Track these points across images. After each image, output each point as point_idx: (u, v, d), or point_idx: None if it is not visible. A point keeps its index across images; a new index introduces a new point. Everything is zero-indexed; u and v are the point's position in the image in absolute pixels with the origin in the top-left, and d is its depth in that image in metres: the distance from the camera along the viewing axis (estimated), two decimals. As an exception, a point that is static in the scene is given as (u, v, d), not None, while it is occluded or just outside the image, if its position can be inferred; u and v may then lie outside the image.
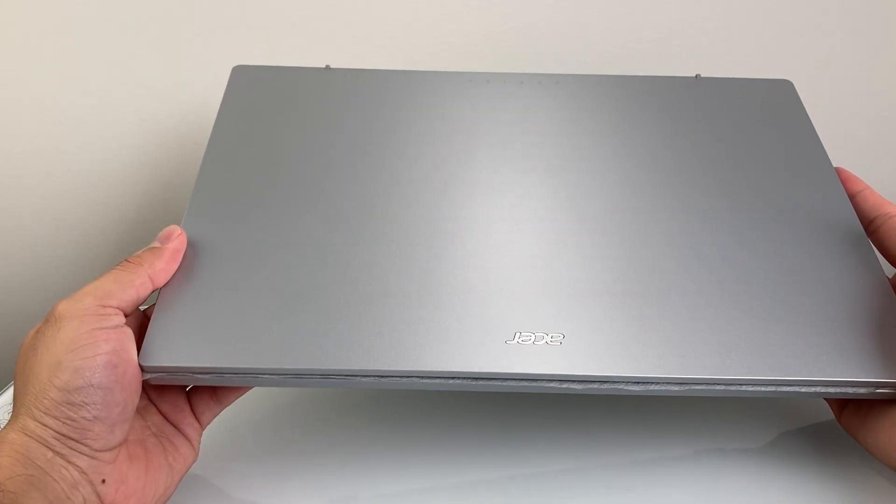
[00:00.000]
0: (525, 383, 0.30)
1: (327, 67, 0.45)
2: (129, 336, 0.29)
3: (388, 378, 0.30)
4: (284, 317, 0.32)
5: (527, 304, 0.32)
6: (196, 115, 0.54)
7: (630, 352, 0.31)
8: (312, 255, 0.34)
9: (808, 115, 0.42)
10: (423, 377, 0.30)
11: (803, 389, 0.31)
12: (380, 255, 0.34)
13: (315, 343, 0.31)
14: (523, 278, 0.33)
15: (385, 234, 0.35)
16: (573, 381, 0.30)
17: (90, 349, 0.27)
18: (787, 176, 0.38)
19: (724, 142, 0.40)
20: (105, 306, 0.29)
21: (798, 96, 0.44)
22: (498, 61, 0.51)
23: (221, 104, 0.42)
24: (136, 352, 0.29)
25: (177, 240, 0.33)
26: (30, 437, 0.27)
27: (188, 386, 0.34)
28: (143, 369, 0.30)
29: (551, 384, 0.30)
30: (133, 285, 0.30)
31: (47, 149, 0.53)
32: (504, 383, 0.30)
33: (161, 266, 0.32)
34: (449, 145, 0.40)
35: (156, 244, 0.33)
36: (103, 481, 0.28)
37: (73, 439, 0.27)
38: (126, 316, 0.30)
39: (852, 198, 0.37)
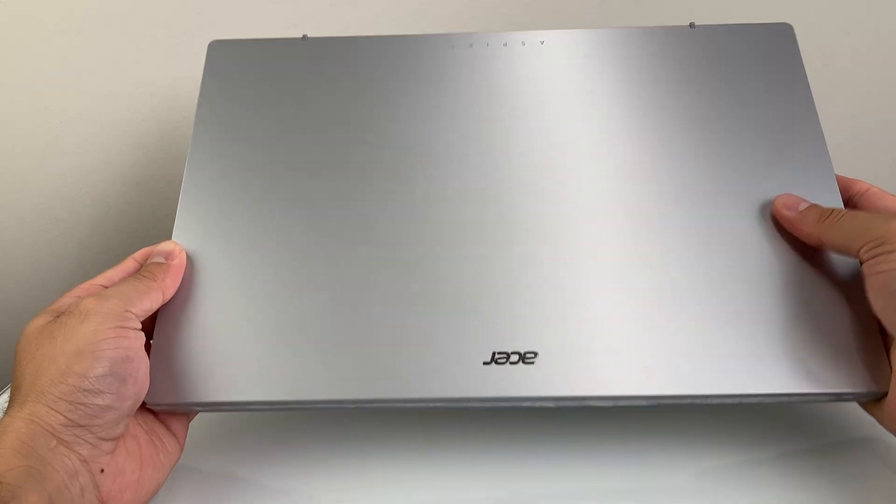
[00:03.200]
0: (502, 403, 0.32)
1: (304, 37, 0.44)
2: (143, 339, 0.31)
3: (371, 404, 0.32)
4: (270, 351, 0.33)
5: (502, 323, 0.33)
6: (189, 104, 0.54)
7: (600, 370, 0.32)
8: (296, 281, 0.35)
9: (802, 63, 0.40)
10: (405, 403, 0.32)
11: (766, 400, 0.32)
12: (362, 282, 0.35)
13: (299, 376, 0.32)
14: (498, 296, 0.34)
15: (368, 258, 0.35)
16: (546, 400, 0.32)
17: (114, 342, 0.29)
18: (773, 139, 0.37)
19: (716, 95, 0.39)
20: (127, 310, 0.31)
21: (796, 41, 0.42)
22: (483, 21, 0.49)
23: (202, 84, 0.41)
24: (146, 355, 0.31)
25: (178, 258, 0.35)
26: (36, 424, 0.27)
27: None
28: (147, 406, 0.32)
29: (526, 403, 0.32)
30: (149, 297, 0.32)
31: (47, 150, 0.53)
32: (482, 404, 0.32)
33: (170, 283, 0.34)
34: (432, 112, 0.39)
35: (160, 259, 0.34)
36: (102, 471, 0.29)
37: (81, 426, 0.28)
38: (136, 315, 0.32)
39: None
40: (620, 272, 0.35)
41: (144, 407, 0.33)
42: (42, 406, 0.28)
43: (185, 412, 0.34)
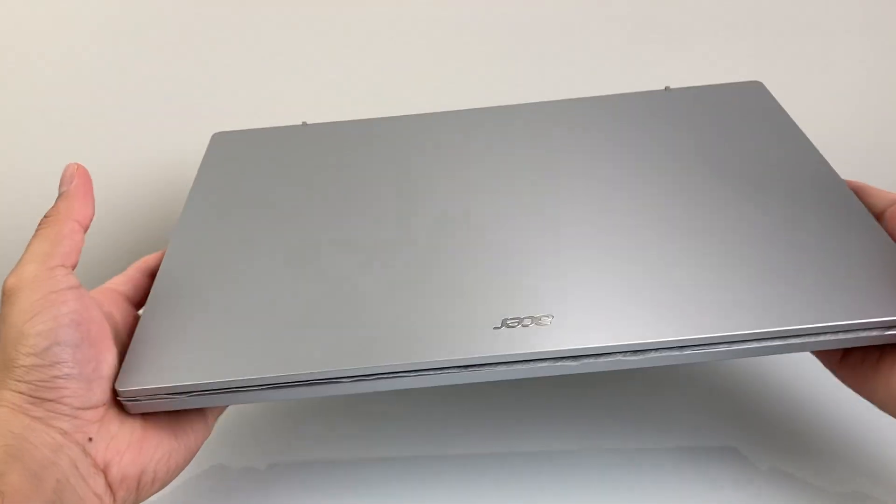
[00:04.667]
0: (518, 366, 0.29)
1: (304, 124, 0.46)
2: (84, 294, 0.29)
3: (373, 380, 0.30)
4: (263, 326, 0.31)
5: (512, 289, 0.32)
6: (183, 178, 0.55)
7: (623, 321, 0.30)
8: (291, 261, 0.35)
9: (784, 110, 0.42)
10: (409, 372, 0.29)
11: (815, 339, 0.29)
12: (358, 255, 0.34)
13: (296, 347, 0.30)
14: (507, 265, 0.33)
15: (361, 237, 0.36)
16: (567, 359, 0.29)
17: (48, 312, 0.28)
18: (777, 165, 0.38)
19: (709, 142, 0.40)
20: (50, 268, 0.29)
21: (771, 95, 0.44)
22: (470, 98, 0.52)
23: (200, 167, 0.42)
24: (98, 309, 0.30)
25: (77, 175, 0.32)
26: (6, 407, 0.27)
27: None
28: (117, 394, 0.30)
29: (545, 364, 0.29)
30: (63, 236, 0.30)
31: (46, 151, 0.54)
32: (496, 369, 0.29)
33: (78, 206, 0.31)
34: (422, 178, 0.40)
35: (62, 189, 0.32)
36: (90, 440, 0.28)
37: (49, 400, 0.27)
38: (73, 268, 0.30)
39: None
40: (632, 230, 0.34)
41: None
42: (5, 391, 0.27)
43: (160, 408, 0.30)
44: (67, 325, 0.28)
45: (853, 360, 0.32)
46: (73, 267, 0.30)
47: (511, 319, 0.30)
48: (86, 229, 0.31)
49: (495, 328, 0.30)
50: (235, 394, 0.30)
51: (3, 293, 0.29)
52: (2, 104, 0.51)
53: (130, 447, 0.29)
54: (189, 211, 0.39)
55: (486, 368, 0.29)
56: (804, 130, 0.41)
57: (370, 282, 0.33)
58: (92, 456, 0.28)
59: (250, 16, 0.49)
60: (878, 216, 0.35)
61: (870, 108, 0.56)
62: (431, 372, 0.29)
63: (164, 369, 0.30)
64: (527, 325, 0.30)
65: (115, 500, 0.28)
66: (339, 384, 0.30)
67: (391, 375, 0.29)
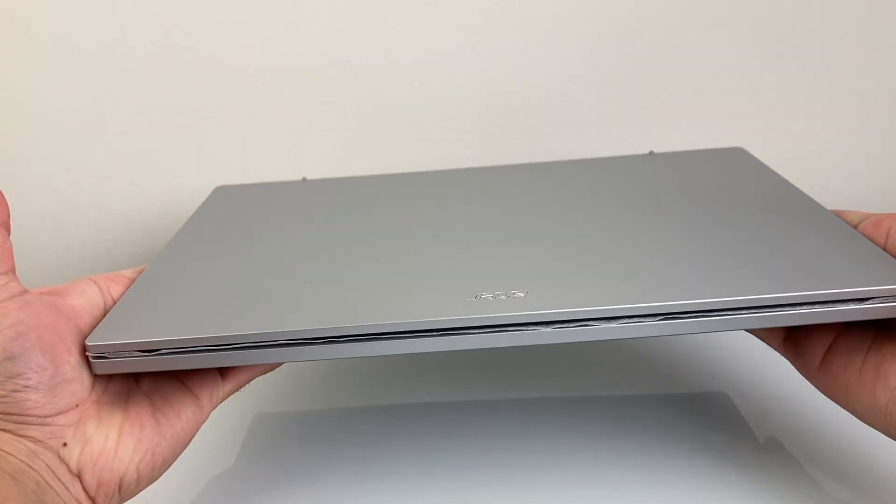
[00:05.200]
0: (491, 334, 0.29)
1: (304, 179, 0.48)
2: (30, 301, 0.28)
3: (346, 342, 0.29)
4: (241, 290, 0.32)
5: (486, 267, 0.32)
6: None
7: (602, 287, 0.30)
8: (277, 244, 0.37)
9: (770, 168, 0.43)
10: (385, 335, 0.29)
11: (812, 310, 0.28)
12: (340, 238, 0.36)
13: (270, 309, 0.30)
14: (481, 243, 0.35)
15: (349, 231, 0.38)
16: (542, 324, 0.29)
17: None
18: (771, 210, 0.38)
19: (694, 195, 0.41)
20: None
21: (755, 158, 0.45)
22: (463, 157, 0.55)
23: (194, 213, 0.43)
24: (50, 312, 0.29)
25: None
26: None
27: None
28: (87, 350, 0.29)
29: (519, 331, 0.29)
30: None
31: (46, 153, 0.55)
32: (468, 336, 0.29)
33: None
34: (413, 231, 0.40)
35: None
36: (65, 445, 0.27)
37: (14, 414, 0.27)
38: (12, 272, 0.29)
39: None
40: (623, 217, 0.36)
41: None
42: None
43: (133, 369, 0.30)
44: (11, 340, 0.27)
45: (835, 368, 0.31)
46: (12, 270, 0.29)
47: (485, 294, 0.30)
48: (7, 229, 0.30)
49: (468, 300, 0.30)
50: (207, 354, 0.29)
51: None
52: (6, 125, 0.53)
53: (104, 453, 0.28)
54: (181, 235, 0.40)
55: (461, 334, 0.29)
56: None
57: (348, 254, 0.34)
58: (66, 462, 0.28)
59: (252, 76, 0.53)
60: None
61: (855, 172, 0.58)
62: (407, 335, 0.29)
63: (136, 328, 0.30)
64: (501, 299, 0.30)
65: None
66: (312, 346, 0.29)
67: (366, 338, 0.29)
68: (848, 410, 0.31)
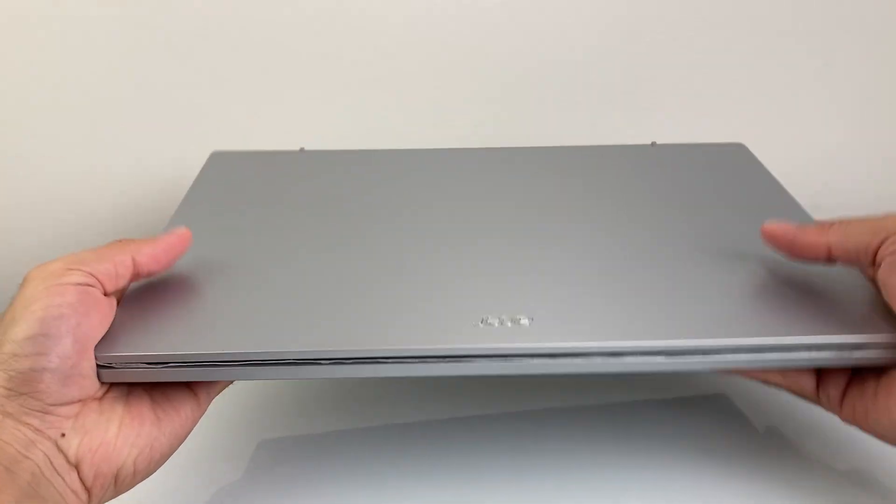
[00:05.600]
0: (496, 362, 0.29)
1: (302, 150, 0.47)
2: (89, 293, 0.29)
3: (351, 364, 0.29)
4: (248, 306, 0.32)
5: (493, 291, 0.32)
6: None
7: (603, 323, 0.30)
8: (282, 250, 0.36)
9: (767, 170, 0.44)
10: (389, 359, 0.29)
11: (808, 355, 0.30)
12: (347, 252, 0.35)
13: (278, 328, 0.30)
14: (490, 266, 0.34)
15: (351, 243, 0.37)
16: (545, 356, 0.29)
17: (44, 301, 0.28)
18: (758, 215, 0.38)
19: (691, 193, 0.42)
20: (69, 269, 0.29)
21: (754, 156, 0.46)
22: (464, 139, 0.54)
23: (194, 182, 0.43)
24: (99, 313, 0.29)
25: (175, 234, 0.33)
26: None
27: None
28: (97, 359, 0.29)
29: (522, 361, 0.29)
30: (111, 260, 0.30)
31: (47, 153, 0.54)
32: (474, 363, 0.29)
33: (148, 251, 0.31)
34: (410, 211, 0.41)
35: (159, 235, 0.33)
36: (63, 435, 0.28)
37: (23, 394, 0.27)
38: (97, 287, 0.29)
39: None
40: (613, 247, 0.36)
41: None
42: None
43: (139, 379, 0.30)
44: (54, 318, 0.28)
45: (853, 396, 0.31)
46: (100, 288, 0.30)
47: (491, 318, 0.31)
48: (136, 277, 0.31)
49: (474, 326, 0.30)
50: (214, 368, 0.30)
51: (24, 280, 0.29)
52: (6, 109, 0.52)
53: (104, 445, 0.29)
54: (182, 210, 0.40)
55: (465, 361, 0.29)
56: (787, 188, 0.42)
57: (357, 274, 0.34)
58: (64, 452, 0.28)
59: (257, 41, 0.51)
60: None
61: (854, 168, 0.59)
62: (411, 360, 0.29)
63: (144, 339, 0.30)
64: (506, 325, 0.30)
65: (90, 496, 0.28)
66: (318, 366, 0.30)
67: (370, 361, 0.29)
68: (877, 436, 0.31)
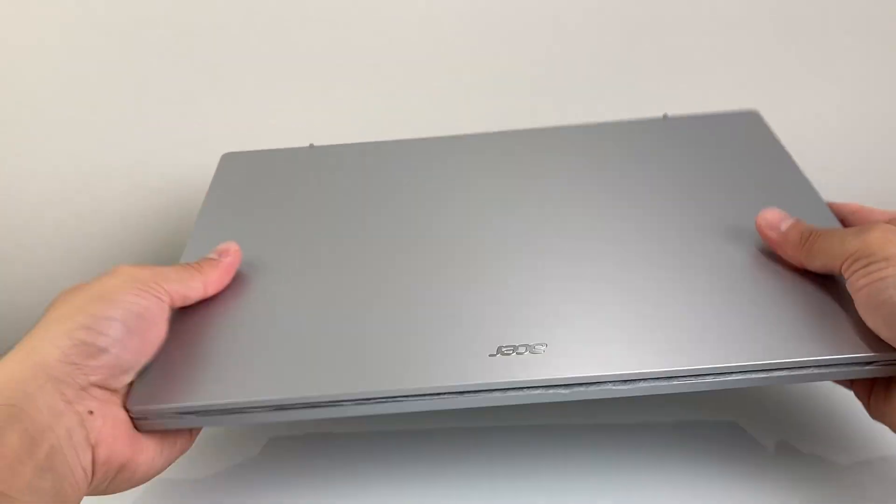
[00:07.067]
0: (511, 393, 0.31)
1: (311, 146, 0.47)
2: (163, 309, 0.32)
3: (372, 403, 0.31)
4: (269, 351, 0.33)
5: (508, 317, 0.33)
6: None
7: (618, 351, 0.31)
8: (296, 286, 0.36)
9: (778, 140, 0.43)
10: (408, 397, 0.31)
11: (797, 373, 0.31)
12: (362, 283, 0.36)
13: (300, 372, 0.32)
14: (503, 293, 0.34)
15: (365, 265, 0.37)
16: (559, 386, 0.31)
17: (131, 296, 0.30)
18: (768, 195, 0.39)
19: (702, 172, 0.42)
20: (156, 282, 0.32)
21: (767, 124, 0.45)
22: (474, 123, 0.53)
23: (210, 187, 0.44)
24: (166, 324, 0.32)
25: (232, 255, 0.36)
26: (31, 359, 0.28)
27: None
28: (129, 412, 0.31)
29: (538, 391, 0.31)
30: (186, 284, 0.33)
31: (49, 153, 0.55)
32: (490, 395, 0.31)
33: (215, 277, 0.35)
34: (427, 202, 0.41)
35: (213, 256, 0.36)
36: (91, 412, 0.29)
37: (74, 364, 0.28)
38: (169, 304, 0.32)
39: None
40: (623, 265, 0.35)
41: None
42: (42, 340, 0.28)
43: (171, 427, 0.32)
44: (138, 315, 0.30)
45: (883, 398, 0.32)
46: (171, 306, 0.32)
47: (506, 347, 0.31)
48: (201, 298, 0.34)
49: (490, 355, 0.31)
50: (242, 415, 0.31)
51: (114, 269, 0.32)
52: (9, 110, 0.52)
53: (121, 437, 0.30)
54: (199, 231, 0.40)
55: (481, 395, 0.31)
56: (797, 157, 0.42)
57: (372, 310, 0.34)
58: (87, 429, 0.28)
59: (262, 37, 0.51)
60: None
61: (866, 137, 0.58)
62: (429, 397, 0.31)
63: (173, 390, 0.31)
64: (521, 353, 0.31)
65: (92, 480, 0.29)
66: (339, 407, 0.31)
67: (390, 399, 0.31)
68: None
